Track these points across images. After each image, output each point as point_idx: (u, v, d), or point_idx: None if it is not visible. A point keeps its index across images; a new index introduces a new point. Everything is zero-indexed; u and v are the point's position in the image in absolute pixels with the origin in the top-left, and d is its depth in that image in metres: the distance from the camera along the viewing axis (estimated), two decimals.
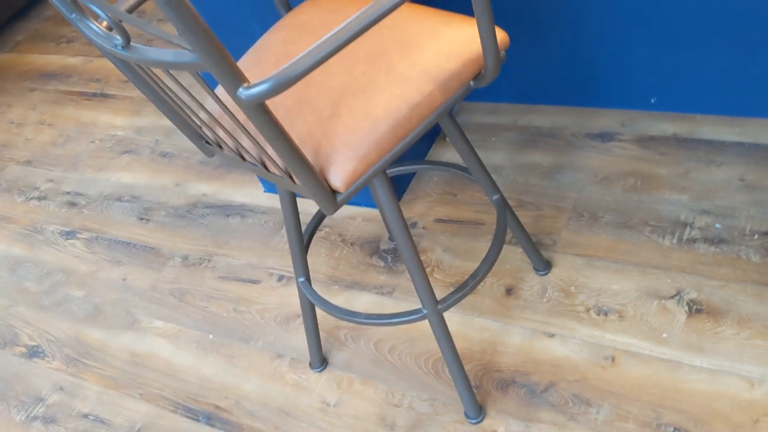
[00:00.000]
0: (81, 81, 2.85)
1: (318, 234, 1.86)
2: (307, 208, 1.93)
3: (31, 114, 2.77)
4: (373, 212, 1.86)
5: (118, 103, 2.64)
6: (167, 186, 2.19)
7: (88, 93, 2.76)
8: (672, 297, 1.45)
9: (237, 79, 0.80)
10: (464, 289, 1.26)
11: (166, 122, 2.44)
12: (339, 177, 1.00)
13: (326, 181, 1.01)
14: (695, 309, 1.42)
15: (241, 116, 1.09)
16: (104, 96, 2.71)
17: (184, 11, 0.72)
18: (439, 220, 1.77)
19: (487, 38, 1.00)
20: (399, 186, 1.86)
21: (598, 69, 1.80)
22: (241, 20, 1.66)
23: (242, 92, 0.81)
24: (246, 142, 1.07)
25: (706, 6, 1.55)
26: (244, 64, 1.19)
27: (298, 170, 0.94)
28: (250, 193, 2.05)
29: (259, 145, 0.98)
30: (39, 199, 2.33)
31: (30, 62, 3.10)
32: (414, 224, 1.79)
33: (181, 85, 0.97)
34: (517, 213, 1.71)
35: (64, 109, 2.72)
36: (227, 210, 2.03)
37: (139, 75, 1.08)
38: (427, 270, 1.67)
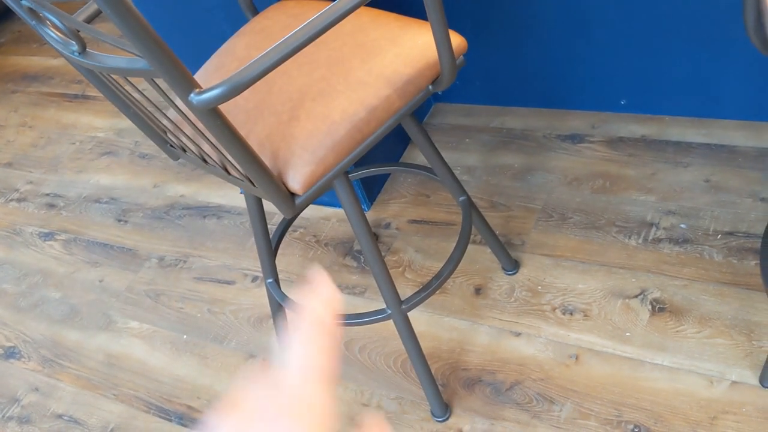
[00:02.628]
0: (63, 83, 2.85)
1: (292, 234, 1.88)
2: None
3: (13, 116, 2.78)
4: None
5: (99, 105, 2.65)
6: (145, 187, 2.20)
7: (69, 95, 2.77)
8: (636, 296, 1.47)
9: (188, 85, 0.82)
10: (428, 289, 1.28)
11: None
12: (297, 180, 1.02)
13: (285, 184, 1.03)
14: (658, 308, 1.44)
15: (200, 122, 1.11)
16: (85, 98, 2.72)
17: (131, 20, 0.74)
18: (413, 221, 1.79)
19: (442, 44, 1.02)
20: (373, 187, 1.88)
21: (569, 72, 1.82)
22: (213, 24, 1.67)
23: (193, 98, 0.83)
24: (206, 147, 1.09)
25: (675, 10, 1.57)
26: (207, 68, 1.20)
27: (254, 174, 0.96)
28: (227, 194, 2.07)
29: (218, 149, 1.00)
30: (18, 200, 2.34)
31: (12, 64, 3.10)
32: (387, 225, 1.81)
33: (141, 91, 0.98)
34: (487, 214, 1.73)
35: (46, 111, 2.73)
36: (204, 211, 2.05)
37: (102, 81, 1.09)
38: (399, 270, 1.69)
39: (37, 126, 2.67)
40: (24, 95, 2.87)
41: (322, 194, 1.14)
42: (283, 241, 1.81)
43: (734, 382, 1.30)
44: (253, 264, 1.85)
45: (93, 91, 2.73)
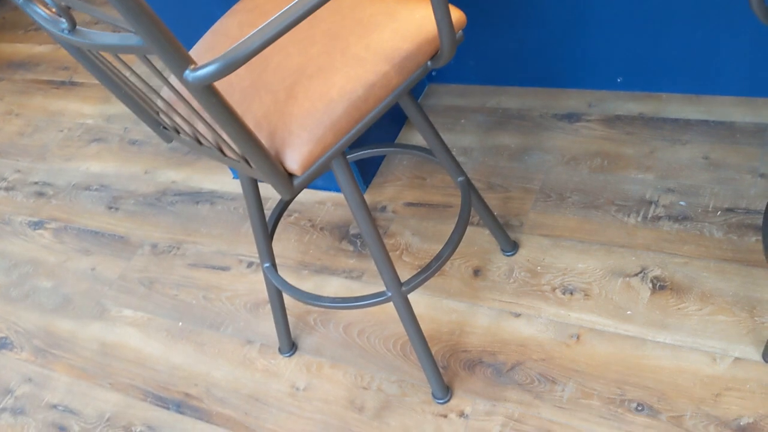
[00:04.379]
0: (49, 69, 2.81)
1: (288, 219, 1.85)
2: (275, 193, 1.92)
3: None
4: (343, 197, 1.86)
5: (86, 91, 2.61)
6: (136, 174, 2.17)
7: (56, 81, 2.72)
8: (636, 275, 1.46)
9: (183, 61, 0.79)
10: (428, 271, 1.26)
11: None
12: (295, 160, 1.00)
13: (282, 164, 1.01)
14: (659, 286, 1.43)
15: (195, 101, 1.08)
16: (73, 84, 2.67)
17: None
18: (409, 204, 1.77)
19: (442, 18, 0.99)
20: (368, 170, 1.86)
21: (565, 50, 1.80)
22: (201, 4, 1.64)
23: (189, 74, 0.80)
24: (201, 127, 1.06)
25: None
26: (199, 48, 1.17)
27: (252, 154, 0.94)
28: (220, 179, 2.04)
29: (214, 129, 0.98)
30: (6, 189, 2.30)
31: None
32: (383, 208, 1.79)
33: (133, 70, 0.95)
34: (485, 195, 1.71)
35: (32, 98, 2.69)
36: (196, 197, 2.02)
37: (92, 61, 1.06)
38: (396, 253, 1.68)
39: (23, 114, 2.62)
40: (9, 83, 2.82)
41: (321, 175, 1.12)
42: (278, 225, 1.79)
43: (737, 359, 1.29)
44: (248, 249, 1.82)
45: (80, 78, 2.69)
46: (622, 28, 1.68)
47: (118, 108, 2.46)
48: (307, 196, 1.89)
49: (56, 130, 2.48)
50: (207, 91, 0.83)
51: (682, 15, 1.60)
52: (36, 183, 2.29)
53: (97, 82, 2.63)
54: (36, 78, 2.78)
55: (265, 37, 0.81)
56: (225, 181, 2.03)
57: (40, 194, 2.24)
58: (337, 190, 1.87)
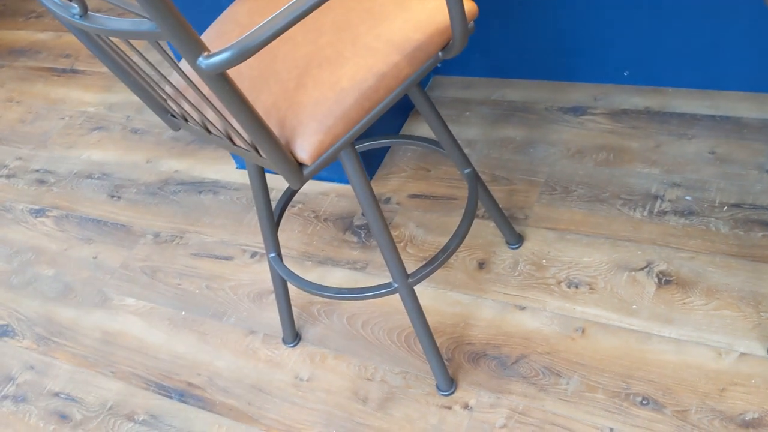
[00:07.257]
0: (50, 57, 2.79)
1: (291, 210, 1.85)
2: (279, 183, 1.91)
3: None
4: (347, 188, 1.85)
5: (88, 79, 2.59)
6: (138, 163, 2.16)
7: (57, 69, 2.71)
8: (642, 269, 1.46)
9: (196, 48, 0.79)
10: (435, 263, 1.26)
11: (137, 98, 2.40)
12: (305, 149, 0.99)
13: (292, 153, 1.00)
14: (665, 280, 1.43)
15: (206, 88, 1.07)
16: (74, 72, 2.66)
17: None
18: (413, 196, 1.77)
19: (454, 8, 0.99)
20: (373, 161, 1.85)
21: (571, 43, 1.79)
22: None
23: (202, 61, 0.79)
24: (211, 115, 1.05)
25: None
26: (209, 35, 1.17)
27: (262, 143, 0.93)
28: (223, 169, 2.03)
29: (224, 117, 0.97)
30: (8, 177, 2.29)
31: None
32: (388, 200, 1.78)
33: (143, 56, 0.95)
34: (490, 187, 1.71)
35: (33, 85, 2.67)
36: (199, 187, 2.01)
37: (101, 47, 1.05)
38: (400, 245, 1.67)
39: (24, 101, 2.61)
40: (10, 70, 2.80)
41: (329, 164, 1.11)
42: (282, 216, 1.79)
43: (742, 354, 1.29)
44: (252, 240, 1.82)
45: (82, 66, 2.67)
46: (629, 21, 1.67)
47: (120, 96, 2.45)
48: (310, 187, 1.88)
49: (57, 117, 2.47)
50: (220, 79, 0.82)
51: (689, 9, 1.59)
52: (37, 171, 2.28)
53: (98, 70, 2.62)
54: (37, 65, 2.77)
55: (279, 25, 0.80)
56: (228, 171, 2.02)
57: (42, 182, 2.23)
58: (341, 181, 1.87)
